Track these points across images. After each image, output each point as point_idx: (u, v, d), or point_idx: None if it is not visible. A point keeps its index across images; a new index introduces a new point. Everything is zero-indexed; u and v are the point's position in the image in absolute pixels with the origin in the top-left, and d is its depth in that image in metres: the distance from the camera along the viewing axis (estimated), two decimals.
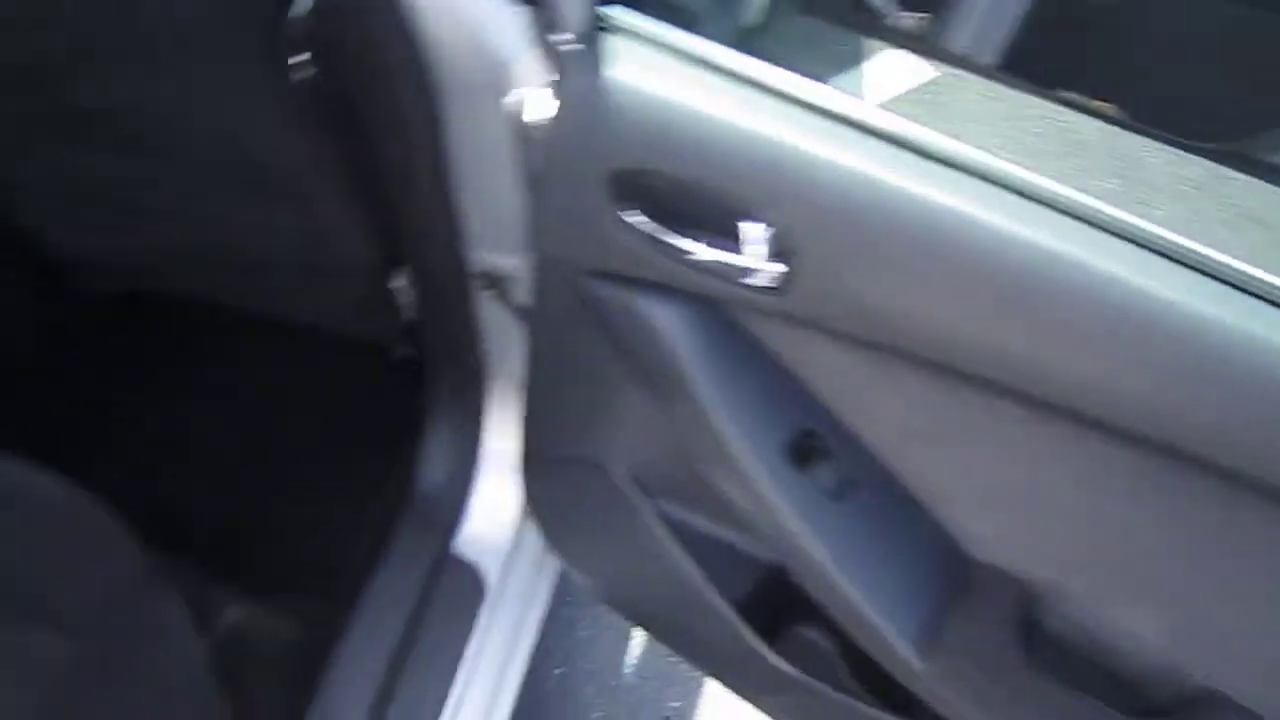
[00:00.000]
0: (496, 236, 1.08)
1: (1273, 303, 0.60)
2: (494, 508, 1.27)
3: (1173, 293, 0.61)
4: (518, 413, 1.26)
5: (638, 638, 1.57)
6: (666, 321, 0.79)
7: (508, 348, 1.22)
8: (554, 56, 0.79)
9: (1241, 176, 0.72)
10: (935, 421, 0.76)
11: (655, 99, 0.71)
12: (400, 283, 1.23)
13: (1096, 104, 1.03)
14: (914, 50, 0.85)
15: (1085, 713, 0.80)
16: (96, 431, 1.44)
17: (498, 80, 0.92)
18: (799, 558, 0.83)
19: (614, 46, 0.74)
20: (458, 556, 1.24)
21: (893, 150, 0.67)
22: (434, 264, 1.10)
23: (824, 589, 0.85)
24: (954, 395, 0.72)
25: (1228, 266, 0.61)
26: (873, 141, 0.68)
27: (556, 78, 0.80)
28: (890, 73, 0.86)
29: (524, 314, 1.13)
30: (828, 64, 0.82)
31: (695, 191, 0.72)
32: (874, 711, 0.96)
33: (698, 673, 1.52)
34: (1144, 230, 0.62)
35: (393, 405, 1.42)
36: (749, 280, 0.72)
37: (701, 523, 1.01)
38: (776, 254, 0.70)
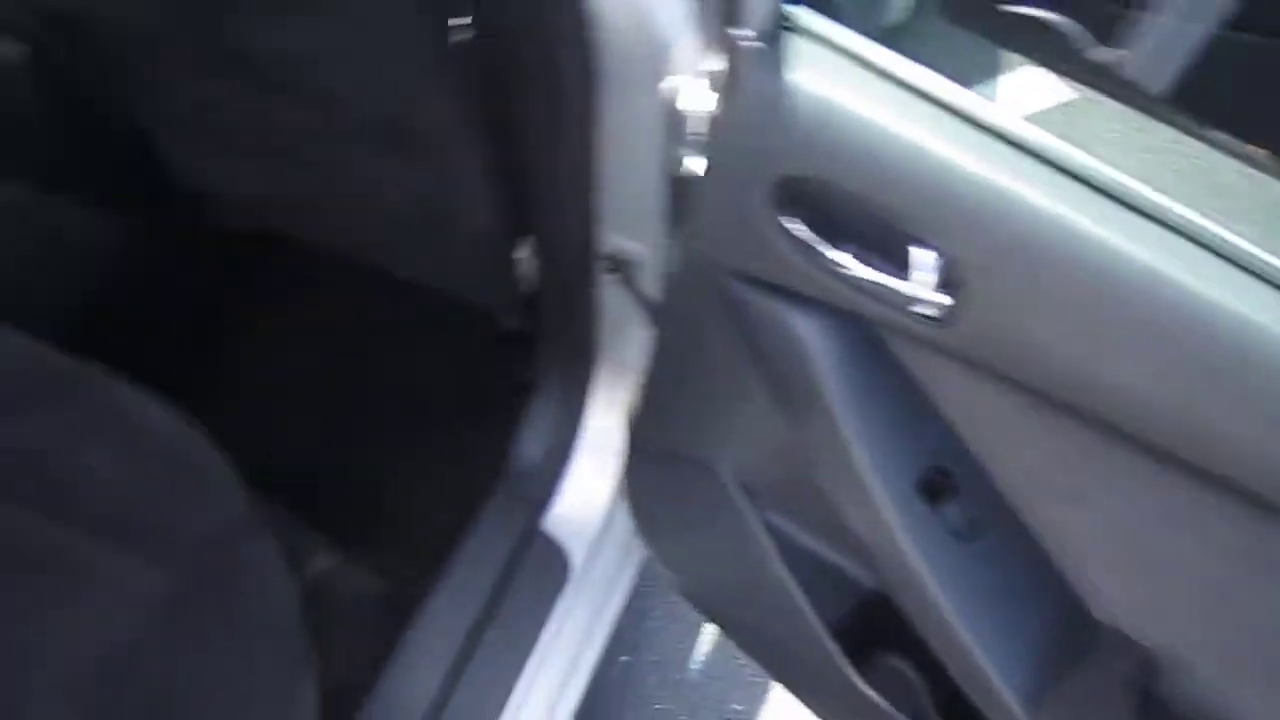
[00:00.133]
0: (628, 221, 1.07)
1: None
2: (587, 490, 1.26)
3: None
4: (631, 400, 1.25)
5: (707, 635, 1.56)
6: (811, 334, 0.76)
7: (621, 333, 1.21)
8: (730, 51, 0.76)
9: None
10: (1080, 476, 0.72)
11: (834, 107, 0.69)
12: (523, 254, 1.22)
13: (1249, 148, 0.98)
14: (1051, 68, 0.82)
15: None
16: (204, 364, 1.46)
17: (655, 63, 0.90)
18: (913, 592, 0.81)
19: (796, 48, 0.71)
20: (546, 534, 1.24)
21: (1079, 190, 0.64)
22: (562, 240, 1.09)
23: (934, 627, 0.82)
24: (1106, 452, 0.69)
25: None
26: (1059, 178, 0.64)
27: (728, 72, 0.77)
28: (1027, 90, 0.82)
29: (645, 302, 1.11)
30: (964, 74, 0.79)
31: (864, 207, 0.69)
32: None
33: (763, 677, 1.50)
34: None
35: (498, 374, 1.42)
36: (909, 307, 0.70)
37: (806, 539, 0.98)
38: (944, 284, 0.68)
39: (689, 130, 0.96)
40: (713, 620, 1.30)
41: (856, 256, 0.71)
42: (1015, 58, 0.84)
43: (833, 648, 0.99)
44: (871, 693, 0.99)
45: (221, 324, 1.49)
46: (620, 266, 1.11)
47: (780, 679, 1.23)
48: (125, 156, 1.36)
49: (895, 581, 0.82)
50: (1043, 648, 0.81)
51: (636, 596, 1.54)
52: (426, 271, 1.35)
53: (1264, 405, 0.60)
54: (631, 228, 1.07)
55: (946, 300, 0.68)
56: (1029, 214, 0.63)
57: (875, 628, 0.97)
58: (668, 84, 0.93)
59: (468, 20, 0.95)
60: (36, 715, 0.95)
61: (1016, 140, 0.65)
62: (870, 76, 0.70)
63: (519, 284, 1.26)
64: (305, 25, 0.99)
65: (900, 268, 0.70)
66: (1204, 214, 0.62)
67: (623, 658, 1.52)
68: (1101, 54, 0.89)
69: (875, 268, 0.71)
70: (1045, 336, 0.65)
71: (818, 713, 1.15)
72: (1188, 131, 0.76)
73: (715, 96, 0.92)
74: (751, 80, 0.73)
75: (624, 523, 1.30)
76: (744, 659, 1.24)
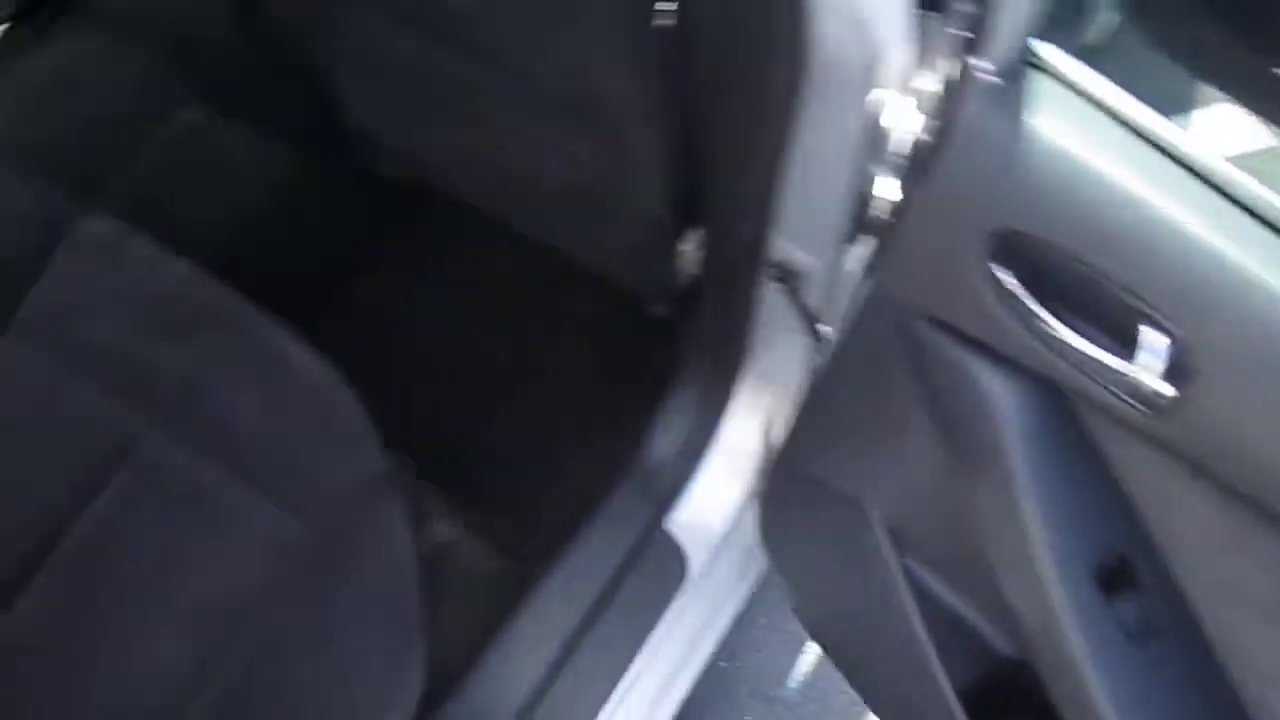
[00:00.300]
0: (803, 230, 1.02)
1: None
2: (714, 494, 1.23)
3: None
4: (778, 412, 1.22)
5: (810, 654, 1.52)
6: (1003, 395, 0.71)
7: (772, 341, 1.17)
8: (962, 81, 0.71)
9: None
10: None
11: (1075, 161, 0.63)
12: (686, 245, 1.19)
13: None
14: (1251, 108, 0.75)
15: None
16: (345, 307, 1.46)
17: (864, 71, 0.85)
18: (1068, 684, 0.75)
19: (1038, 89, 0.66)
20: (667, 533, 1.21)
21: None
22: (732, 239, 1.05)
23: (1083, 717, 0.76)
24: None
25: None
26: None
27: (954, 103, 0.72)
28: (1224, 130, 0.76)
29: (806, 315, 1.07)
30: (1165, 107, 0.72)
31: (1093, 274, 0.63)
32: None
33: (861, 708, 1.46)
34: None
35: (638, 362, 1.39)
36: (1123, 391, 0.64)
37: (946, 592, 0.94)
38: (1171, 371, 0.62)
39: (889, 149, 0.91)
40: (821, 644, 1.26)
41: (1071, 323, 0.66)
42: (1214, 93, 0.78)
43: (955, 707, 0.94)
44: None
45: (368, 270, 1.50)
46: (786, 276, 1.07)
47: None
48: (302, 92, 1.37)
49: (1050, 667, 0.77)
50: None
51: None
52: (582, 248, 1.32)
53: None
54: (806, 238, 1.03)
55: (1170, 391, 0.62)
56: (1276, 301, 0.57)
57: (1005, 698, 0.92)
58: (874, 96, 0.88)
59: (673, 5, 0.91)
60: (158, 641, 0.97)
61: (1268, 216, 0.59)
62: (1115, 129, 0.64)
63: (677, 275, 1.23)
64: (518, 13, 0.97)
65: (1121, 344, 0.64)
66: None
67: (721, 663, 1.49)
68: None
69: (1092, 340, 0.65)
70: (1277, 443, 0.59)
71: None
72: None
73: (924, 119, 0.87)
74: (982, 118, 0.67)
75: (747, 532, 1.26)
76: (846, 688, 1.20)
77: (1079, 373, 0.66)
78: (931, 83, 0.85)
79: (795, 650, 1.52)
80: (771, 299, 1.11)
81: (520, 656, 1.11)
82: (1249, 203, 0.60)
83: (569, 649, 1.12)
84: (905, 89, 0.88)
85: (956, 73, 0.72)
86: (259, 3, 1.32)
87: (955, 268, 0.69)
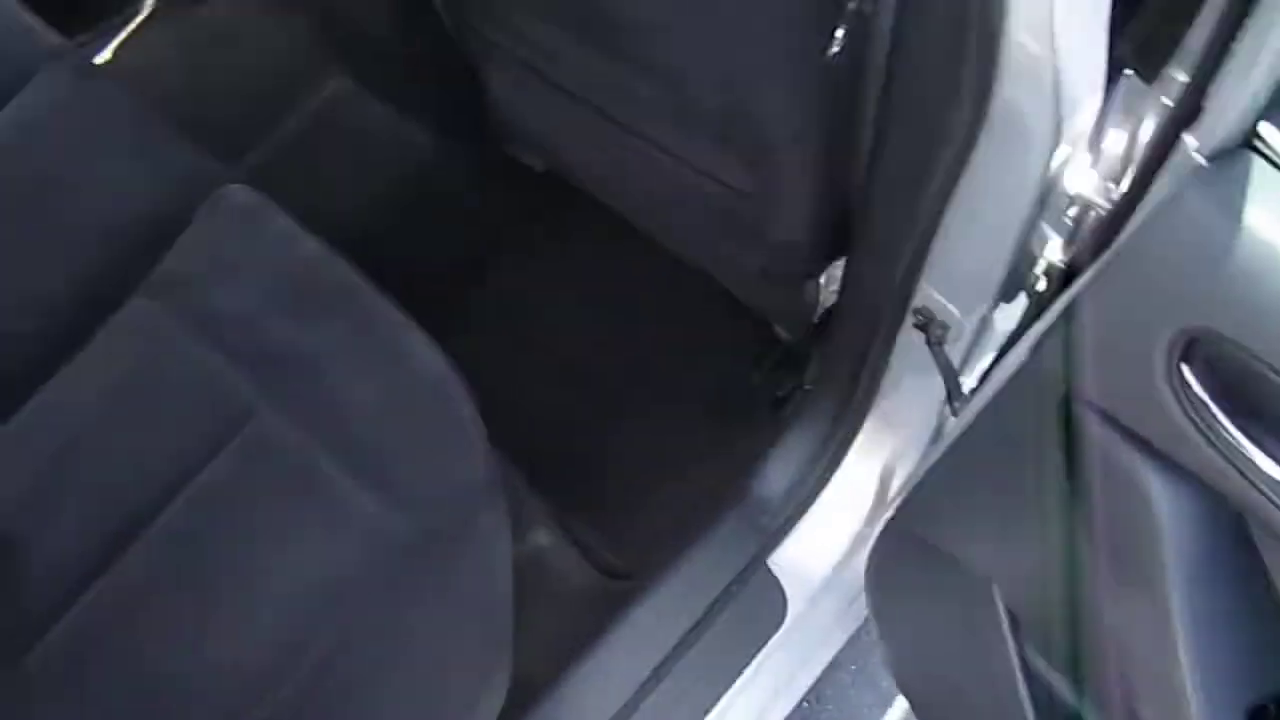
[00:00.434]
0: (957, 282, 0.97)
1: None
2: (823, 536, 1.18)
3: None
4: (903, 464, 1.16)
5: (897, 710, 1.46)
6: (1171, 506, 0.65)
7: (905, 389, 1.11)
8: (1166, 156, 0.64)
9: None
10: None
11: None
12: (825, 276, 1.14)
13: None
14: None
15: None
16: (468, 299, 1.45)
17: (1050, 128, 0.79)
18: None
19: (1257, 176, 0.59)
20: (770, 571, 1.17)
21: None
22: (879, 278, 1.00)
23: None
24: None
25: None
26: None
27: (1152, 178, 0.66)
28: None
29: (946, 368, 1.01)
30: None
31: None
32: None
33: None
34: None
35: (759, 385, 1.35)
36: None
37: (1062, 688, 0.87)
38: None
39: (1064, 211, 0.85)
40: (913, 705, 1.20)
41: (1265, 444, 0.59)
42: None
43: None
44: None
45: (494, 261, 1.48)
46: (929, 324, 1.01)
47: None
48: (448, 76, 1.35)
49: None
50: None
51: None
52: (714, 263, 1.28)
53: None
54: (957, 289, 0.97)
55: None
56: None
57: None
58: (1057, 154, 0.81)
59: (843, 32, 0.86)
60: (248, 622, 0.97)
61: None
62: None
63: (811, 305, 1.18)
64: (671, 3, 0.93)
65: None
66: None
67: (804, 703, 1.44)
68: None
69: None
70: None
71: None
72: None
73: (1110, 187, 0.81)
74: (1186, 201, 0.61)
75: (851, 580, 1.21)
76: None
77: (1266, 499, 0.59)
78: (1124, 147, 0.79)
79: (884, 704, 1.46)
80: (908, 342, 1.05)
81: (605, 680, 1.08)
82: None
83: (656, 678, 1.09)
84: (1093, 149, 0.82)
85: (1159, 145, 0.66)
86: None
87: (1135, 364, 0.63)
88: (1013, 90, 0.76)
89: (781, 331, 1.33)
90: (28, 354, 1.10)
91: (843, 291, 1.09)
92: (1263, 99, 0.59)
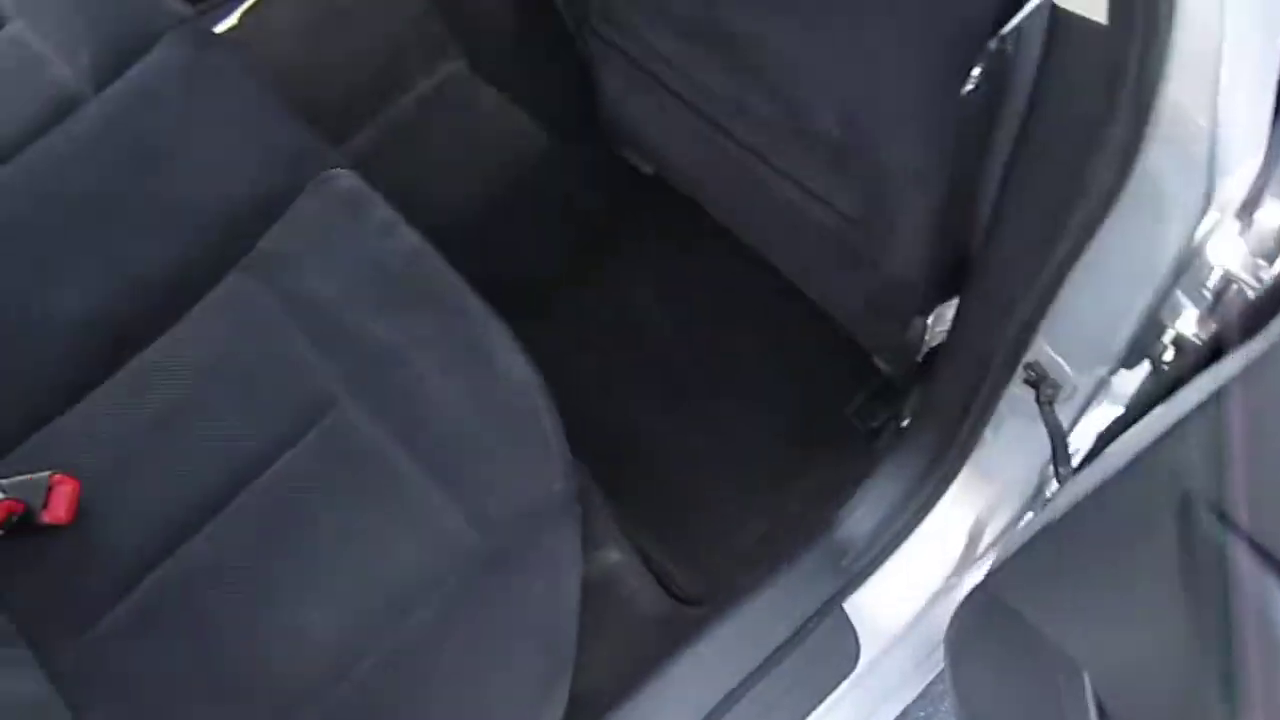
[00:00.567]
0: (1076, 342, 0.91)
1: None
2: (902, 586, 1.13)
3: None
4: (997, 520, 1.11)
5: None
6: None
7: (1006, 442, 1.05)
8: None
9: None
10: None
11: None
12: (936, 314, 1.09)
13: None
14: None
15: None
16: (560, 298, 1.43)
17: (1198, 193, 0.73)
18: None
19: None
20: (845, 614, 1.12)
21: None
22: (993, 329, 0.94)
23: None
24: None
25: None
26: None
27: None
28: None
29: (1054, 429, 0.96)
30: None
31: None
32: None
33: None
34: None
35: (851, 422, 1.30)
36: None
37: None
38: None
39: (1202, 283, 0.79)
40: None
41: None
42: None
43: None
44: None
45: (591, 262, 1.46)
46: (1041, 381, 0.95)
47: None
48: (562, 71, 1.33)
49: None
50: None
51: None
52: (817, 288, 1.24)
53: None
54: (1075, 349, 0.91)
55: None
56: None
57: None
58: (1203, 221, 0.75)
59: (980, 71, 0.80)
60: (307, 622, 0.96)
61: None
62: None
63: (916, 343, 1.13)
64: (799, 23, 0.89)
65: None
66: None
67: None
68: None
69: None
70: None
71: None
72: None
73: (1260, 264, 0.74)
74: None
75: (928, 633, 1.16)
76: None
77: None
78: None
79: None
80: (1016, 394, 1.00)
81: (666, 709, 1.05)
82: None
83: (718, 712, 1.06)
84: (1243, 218, 0.76)
85: None
86: None
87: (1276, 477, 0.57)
88: (1162, 152, 0.70)
89: (881, 363, 1.27)
90: (126, 323, 1.11)
91: (952, 334, 1.03)
92: None
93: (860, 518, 1.14)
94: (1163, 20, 0.62)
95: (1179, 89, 0.66)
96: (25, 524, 1.01)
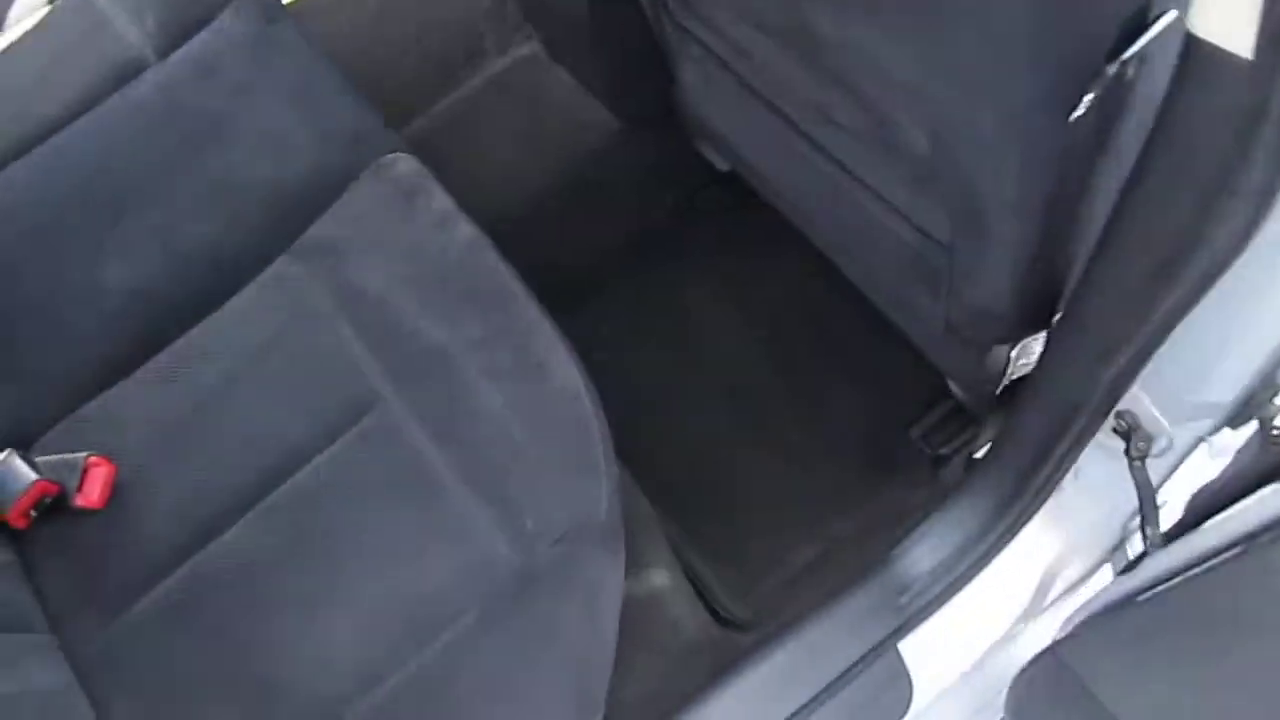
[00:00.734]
0: (1177, 395, 0.83)
1: None
2: (961, 631, 1.07)
3: None
4: (1068, 573, 1.04)
5: None
6: None
7: (1086, 494, 0.98)
8: None
9: None
10: None
11: None
12: (1015, 350, 1.01)
13: None
14: None
15: None
16: (618, 293, 1.37)
17: None
18: None
19: None
20: (898, 656, 1.06)
21: None
22: (1086, 369, 0.86)
23: None
24: None
25: None
26: None
27: None
28: None
29: (1143, 488, 0.88)
30: None
31: None
32: None
33: None
34: None
35: (919, 451, 1.23)
36: None
37: None
38: None
39: None
40: None
41: None
42: None
43: None
44: None
45: (656, 255, 1.39)
46: (1133, 433, 0.88)
47: None
48: (638, 58, 1.26)
49: None
50: None
51: None
52: (895, 309, 1.16)
53: None
54: (1174, 402, 0.84)
55: None
56: None
57: None
58: None
59: (1093, 96, 0.72)
60: (332, 634, 0.92)
61: None
62: None
63: (1000, 375, 1.05)
64: (884, 32, 0.81)
65: None
66: None
67: None
68: None
69: None
70: None
71: None
72: None
73: None
74: None
75: (985, 684, 1.10)
76: None
77: None
78: None
79: None
80: (1104, 442, 0.92)
81: None
82: None
83: None
84: None
85: None
86: None
87: None
88: None
89: (955, 388, 1.20)
90: (169, 302, 1.08)
91: (1039, 371, 0.96)
92: None
93: (922, 555, 1.07)
94: None
95: None
96: (58, 506, 0.99)
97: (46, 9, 1.26)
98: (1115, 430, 0.89)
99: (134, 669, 0.95)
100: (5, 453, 0.99)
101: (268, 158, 1.13)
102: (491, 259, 1.03)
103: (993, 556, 1.04)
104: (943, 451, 1.26)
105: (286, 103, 1.16)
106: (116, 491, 1.00)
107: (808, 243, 1.24)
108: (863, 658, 1.04)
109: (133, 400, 1.05)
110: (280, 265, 1.09)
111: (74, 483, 0.98)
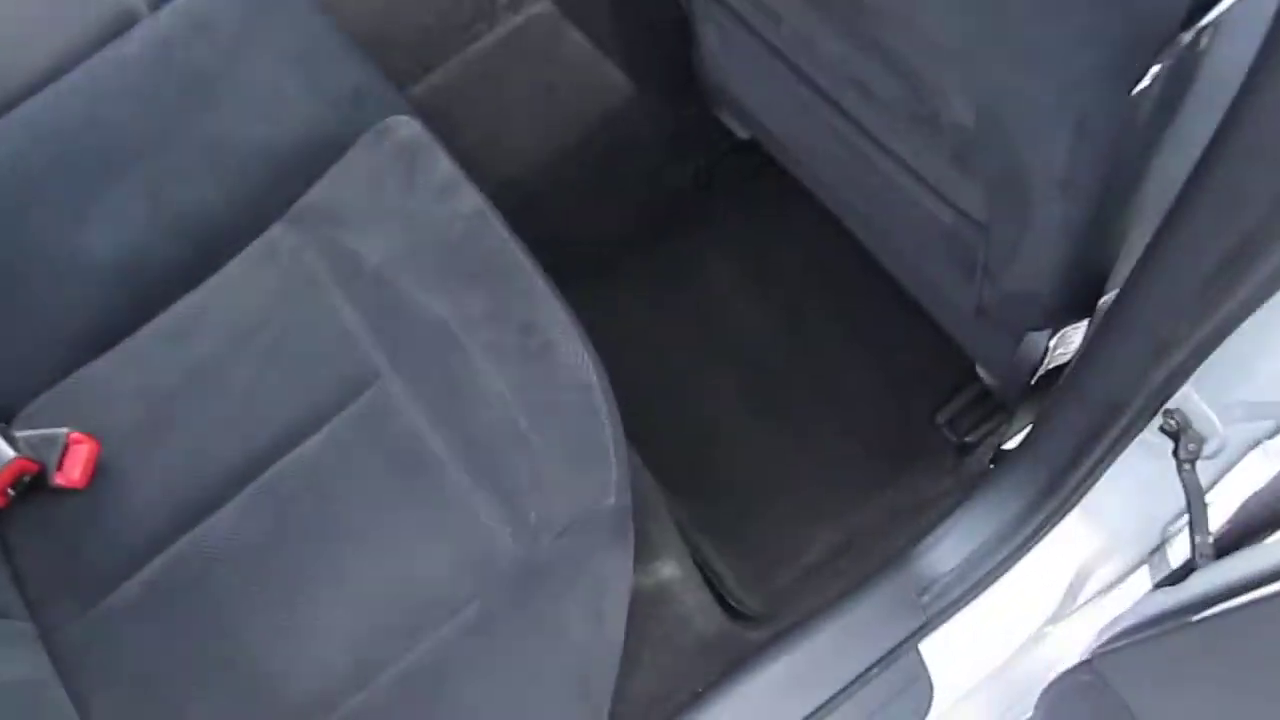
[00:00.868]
0: (1235, 394, 0.77)
1: None
2: (989, 635, 1.01)
3: None
4: (1106, 583, 0.98)
5: None
6: None
7: (1126, 493, 0.92)
8: None
9: None
10: None
11: None
12: (1053, 340, 0.95)
13: None
14: None
15: None
16: (632, 267, 1.31)
17: None
18: None
19: None
20: (919, 657, 1.01)
21: None
22: (1136, 363, 0.80)
23: None
24: None
25: None
26: None
27: None
28: None
29: (1192, 490, 0.82)
30: None
31: None
32: None
33: None
34: None
35: (945, 442, 1.17)
36: None
37: None
38: None
39: None
40: None
41: None
42: None
43: None
44: None
45: (671, 227, 1.33)
46: (1181, 433, 0.82)
47: None
48: (657, 20, 1.19)
49: None
50: None
51: None
52: (925, 291, 1.10)
53: None
54: (1230, 402, 0.77)
55: None
56: None
57: None
58: None
59: (1160, 67, 0.66)
60: (323, 627, 0.88)
61: None
62: None
63: (1036, 363, 0.99)
64: (946, 2, 0.74)
65: None
66: None
67: None
68: None
69: None
70: None
71: None
72: None
73: None
74: None
75: (1009, 689, 1.04)
76: None
77: None
78: None
79: None
80: (1148, 447, 0.86)
81: None
82: None
83: None
84: None
85: None
86: None
87: None
88: None
89: (984, 374, 1.14)
90: (160, 269, 1.02)
91: (1081, 362, 0.89)
92: None
93: (946, 551, 1.02)
94: None
95: None
96: (38, 485, 0.94)
97: None
98: (1162, 429, 0.83)
99: (116, 658, 0.91)
100: None
101: (263, 118, 1.07)
102: (497, 230, 0.97)
103: (1020, 556, 0.98)
104: (968, 439, 1.20)
105: (284, 60, 1.10)
106: (99, 470, 0.95)
107: (830, 215, 1.18)
108: (881, 659, 0.99)
109: (117, 373, 1.00)
110: (274, 232, 1.03)
111: (54, 460, 0.93)
